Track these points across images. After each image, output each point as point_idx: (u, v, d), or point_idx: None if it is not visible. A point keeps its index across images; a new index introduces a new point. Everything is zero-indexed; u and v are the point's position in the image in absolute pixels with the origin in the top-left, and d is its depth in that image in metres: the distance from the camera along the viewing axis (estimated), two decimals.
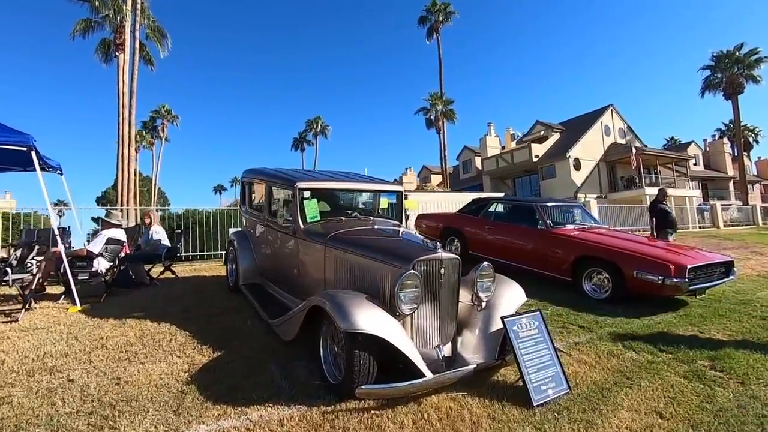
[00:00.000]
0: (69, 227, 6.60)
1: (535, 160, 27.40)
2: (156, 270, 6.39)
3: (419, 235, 3.89)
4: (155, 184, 45.55)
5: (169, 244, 6.17)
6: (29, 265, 4.38)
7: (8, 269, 4.02)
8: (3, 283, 4.11)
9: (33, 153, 4.58)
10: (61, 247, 4.49)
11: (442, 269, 3.02)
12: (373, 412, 2.55)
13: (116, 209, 7.37)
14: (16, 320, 4.02)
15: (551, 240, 6.10)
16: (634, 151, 24.31)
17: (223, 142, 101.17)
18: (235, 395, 2.69)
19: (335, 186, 4.29)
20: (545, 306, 5.05)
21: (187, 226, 10.48)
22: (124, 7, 17.99)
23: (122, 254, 6.08)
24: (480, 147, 33.12)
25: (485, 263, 3.28)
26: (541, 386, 2.82)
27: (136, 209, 13.06)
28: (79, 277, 4.76)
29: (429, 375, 2.70)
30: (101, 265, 4.89)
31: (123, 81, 18.05)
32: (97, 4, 18.12)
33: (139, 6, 18.09)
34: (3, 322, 4.02)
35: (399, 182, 47.11)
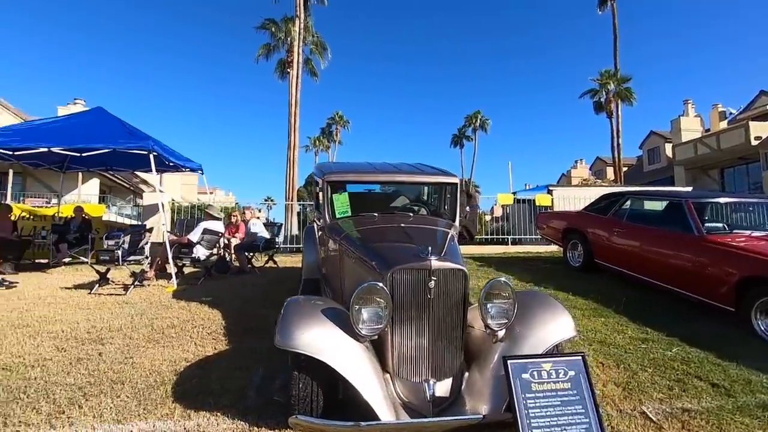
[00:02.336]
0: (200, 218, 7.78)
1: (754, 143, 20.63)
2: (263, 259, 7.03)
3: (452, 240, 3.13)
4: None
5: (268, 236, 6.69)
6: (142, 249, 5.33)
7: (118, 252, 4.93)
8: (117, 264, 5.05)
9: (151, 156, 5.48)
10: (167, 236, 5.28)
11: (432, 282, 2.31)
12: None
13: (214, 204, 8.40)
14: (125, 293, 4.87)
15: (705, 250, 4.30)
16: None
17: (387, 143, 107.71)
18: (198, 396, 2.58)
19: (369, 178, 3.85)
20: (670, 344, 3.56)
21: None
22: (293, 29, 20.73)
23: (239, 242, 6.86)
24: (672, 131, 26.83)
25: (501, 278, 2.39)
26: None
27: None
28: (183, 261, 5.52)
29: (386, 417, 2.09)
30: (199, 252, 5.58)
31: (292, 94, 20.88)
32: (273, 29, 21.39)
33: (302, 25, 20.55)
34: (116, 294, 4.94)
35: (567, 176, 41.99)
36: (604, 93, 24.85)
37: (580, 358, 2.17)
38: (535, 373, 2.08)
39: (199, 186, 41.57)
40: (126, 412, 2.41)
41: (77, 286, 5.34)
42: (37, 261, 7.77)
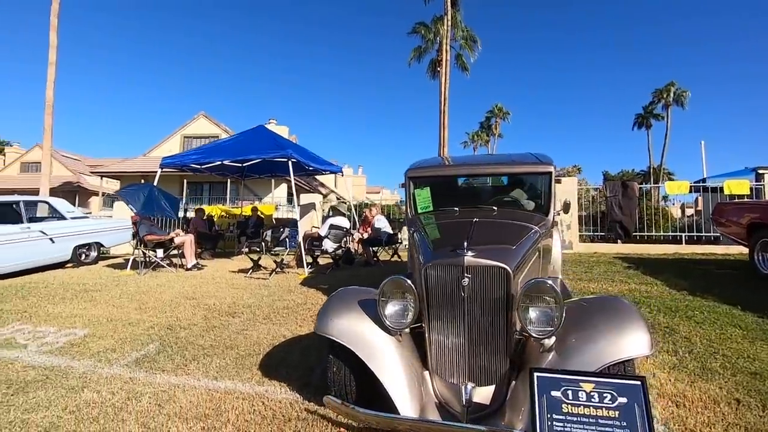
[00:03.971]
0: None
1: None
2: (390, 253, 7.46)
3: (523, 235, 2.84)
4: None
5: (391, 232, 7.05)
6: (284, 242, 6.30)
7: (262, 244, 5.95)
8: (267, 254, 6.11)
9: (290, 162, 6.44)
10: (302, 231, 6.15)
11: (465, 279, 2.18)
12: (339, 429, 2.25)
13: (344, 203, 9.01)
14: (268, 278, 5.87)
15: None
16: None
17: (554, 131, 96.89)
18: (277, 368, 2.99)
19: (450, 172, 3.71)
20: None
21: None
22: (441, 28, 21.01)
23: (364, 236, 7.47)
24: None
25: (544, 279, 2.08)
26: None
27: None
28: (315, 253, 6.33)
29: (407, 413, 2.09)
30: (327, 245, 6.29)
31: (441, 92, 21.22)
32: (423, 32, 22.06)
33: (450, 22, 20.61)
34: (262, 278, 5.99)
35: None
36: None
37: (639, 383, 1.74)
38: (569, 392, 1.77)
39: (367, 186, 45.97)
40: (224, 371, 2.97)
41: (240, 270, 6.69)
42: (228, 250, 9.99)
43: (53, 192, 25.49)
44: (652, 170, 43.52)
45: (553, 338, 2.09)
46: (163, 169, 7.38)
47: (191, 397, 2.62)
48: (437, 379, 2.32)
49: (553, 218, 3.55)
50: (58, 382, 2.87)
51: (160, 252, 6.57)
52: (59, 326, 4.07)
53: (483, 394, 2.22)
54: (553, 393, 1.78)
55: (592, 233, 9.05)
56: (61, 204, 7.96)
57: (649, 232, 8.41)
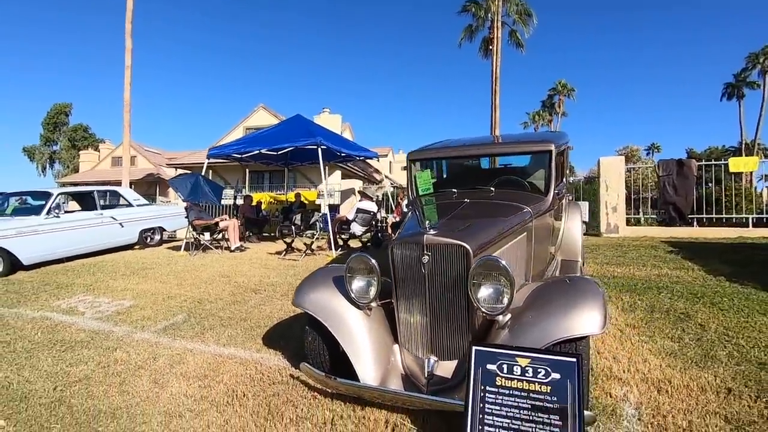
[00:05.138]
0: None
1: None
2: None
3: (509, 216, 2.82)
4: None
5: None
6: (314, 225, 6.61)
7: (293, 227, 6.29)
8: (297, 235, 6.46)
9: (319, 149, 6.70)
10: (327, 214, 6.43)
11: (425, 257, 2.25)
12: (314, 393, 2.45)
13: (373, 187, 9.07)
14: (298, 259, 6.23)
15: None
16: None
17: (635, 104, 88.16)
18: (277, 339, 3.27)
19: (451, 154, 3.69)
20: None
21: None
22: (493, 5, 20.11)
23: (397, 220, 7.59)
24: None
25: (494, 257, 2.09)
26: None
27: None
28: (343, 236, 6.59)
29: (368, 382, 2.25)
30: (354, 228, 6.51)
31: (492, 71, 20.45)
32: (473, 9, 21.26)
33: None
34: (293, 260, 6.36)
35: None
36: None
37: (573, 360, 1.74)
38: (504, 366, 1.82)
39: None
40: (232, 340, 3.30)
41: (277, 252, 7.14)
42: (273, 234, 10.62)
43: (138, 183, 28.21)
44: (744, 145, 38.76)
45: (509, 315, 2.11)
46: (209, 160, 8.06)
47: (198, 360, 2.96)
48: (405, 352, 2.43)
49: (556, 198, 3.45)
50: (99, 343, 3.36)
51: (207, 235, 7.21)
52: (113, 298, 4.69)
53: (446, 368, 2.30)
54: (489, 366, 1.83)
55: (644, 216, 8.40)
56: (128, 193, 8.97)
57: (708, 215, 7.60)
